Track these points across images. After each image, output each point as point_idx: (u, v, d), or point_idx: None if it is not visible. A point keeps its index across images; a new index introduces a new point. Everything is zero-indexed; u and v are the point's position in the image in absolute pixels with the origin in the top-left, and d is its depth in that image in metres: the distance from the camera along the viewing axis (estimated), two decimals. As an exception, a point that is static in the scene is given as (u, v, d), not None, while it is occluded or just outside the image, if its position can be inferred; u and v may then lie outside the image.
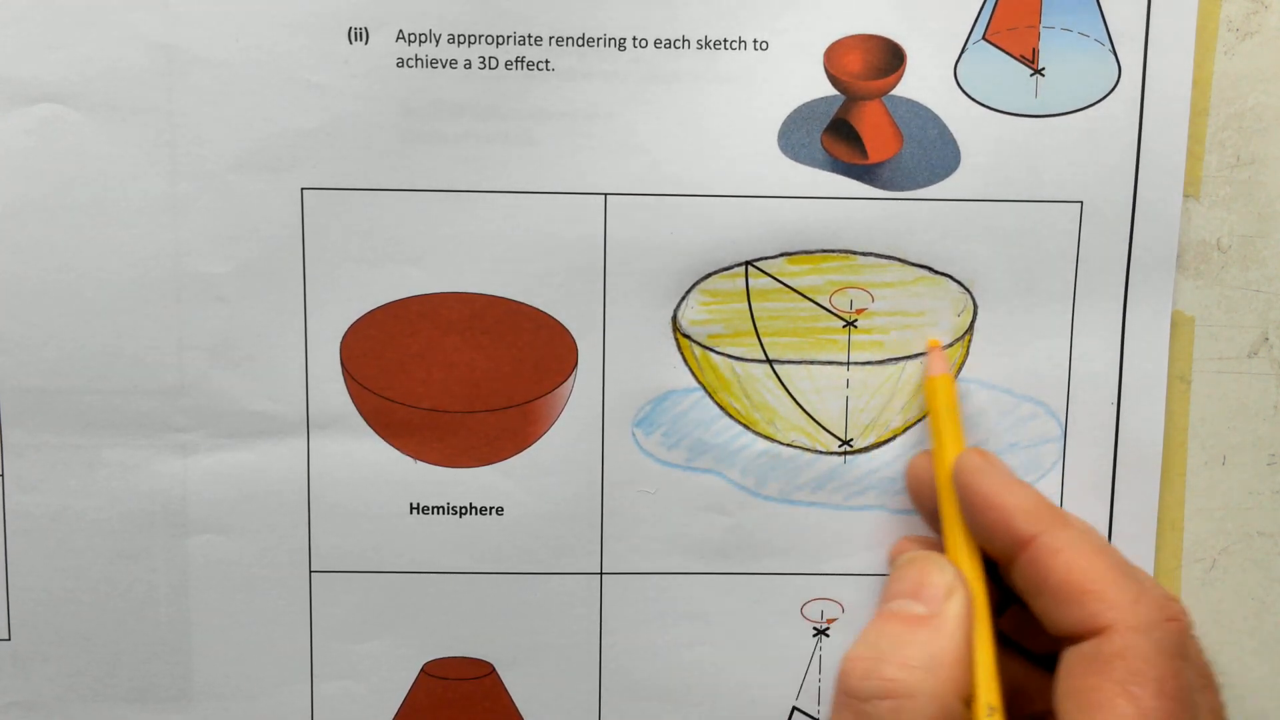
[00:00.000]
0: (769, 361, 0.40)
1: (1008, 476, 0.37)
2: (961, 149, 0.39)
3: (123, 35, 0.38)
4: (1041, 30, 0.39)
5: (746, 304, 0.40)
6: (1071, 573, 0.34)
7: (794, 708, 0.42)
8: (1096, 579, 0.34)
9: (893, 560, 0.40)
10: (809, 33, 0.39)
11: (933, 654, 0.34)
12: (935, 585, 0.35)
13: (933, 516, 0.39)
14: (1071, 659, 0.33)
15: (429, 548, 0.41)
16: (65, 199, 0.39)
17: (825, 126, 0.39)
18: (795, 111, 0.39)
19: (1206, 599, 0.42)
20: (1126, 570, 0.34)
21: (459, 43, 0.38)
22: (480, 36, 0.38)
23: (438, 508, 0.41)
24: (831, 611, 0.42)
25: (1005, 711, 0.35)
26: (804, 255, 0.40)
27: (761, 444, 0.41)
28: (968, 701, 0.34)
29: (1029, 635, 0.36)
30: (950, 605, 0.35)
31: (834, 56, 0.39)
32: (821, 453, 0.41)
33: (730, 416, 0.41)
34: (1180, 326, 0.41)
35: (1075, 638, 0.34)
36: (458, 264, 0.40)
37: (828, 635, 0.42)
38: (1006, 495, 0.36)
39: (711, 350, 0.40)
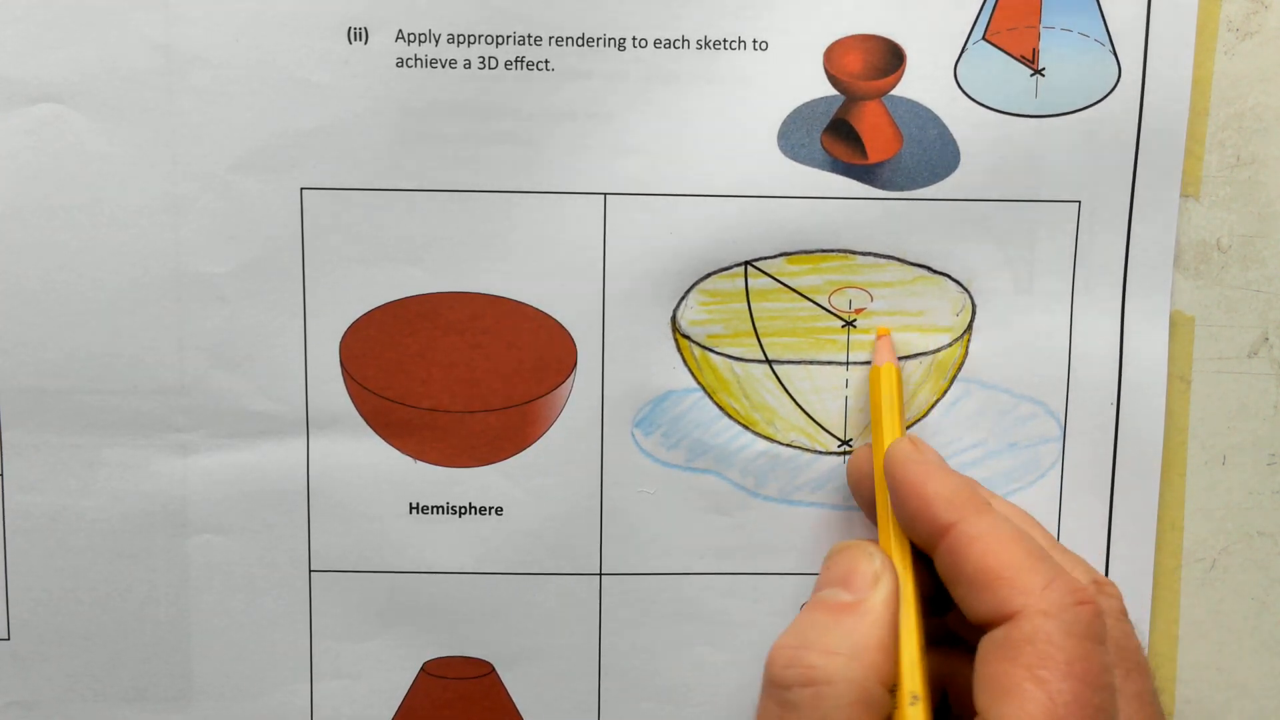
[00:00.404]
0: (768, 362, 0.40)
1: (935, 465, 0.37)
2: (961, 149, 0.39)
3: (123, 35, 0.38)
4: (1041, 30, 0.39)
5: (746, 304, 0.40)
6: (985, 559, 0.34)
7: (794, 708, 0.42)
8: (1008, 565, 0.34)
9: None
10: (809, 33, 0.39)
11: (856, 640, 0.34)
12: (863, 573, 0.36)
13: (872, 509, 0.39)
14: (985, 646, 0.33)
15: (429, 548, 0.41)
16: (65, 199, 0.39)
17: (825, 126, 0.39)
18: (795, 111, 0.39)
19: (1206, 599, 0.42)
20: (1041, 556, 0.34)
21: (459, 43, 0.38)
22: (480, 36, 0.38)
23: (438, 508, 0.41)
24: (831, 611, 0.42)
25: (931, 701, 0.34)
26: (803, 255, 0.40)
27: (761, 444, 0.41)
28: (893, 689, 0.34)
29: (971, 630, 0.36)
30: (876, 592, 0.35)
31: (834, 56, 0.39)
32: (821, 453, 0.41)
33: (730, 417, 0.41)
34: (1180, 326, 0.41)
35: (990, 624, 0.34)
36: (458, 264, 0.40)
37: (827, 635, 0.42)
38: (930, 483, 0.36)
39: (711, 350, 0.40)
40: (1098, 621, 0.33)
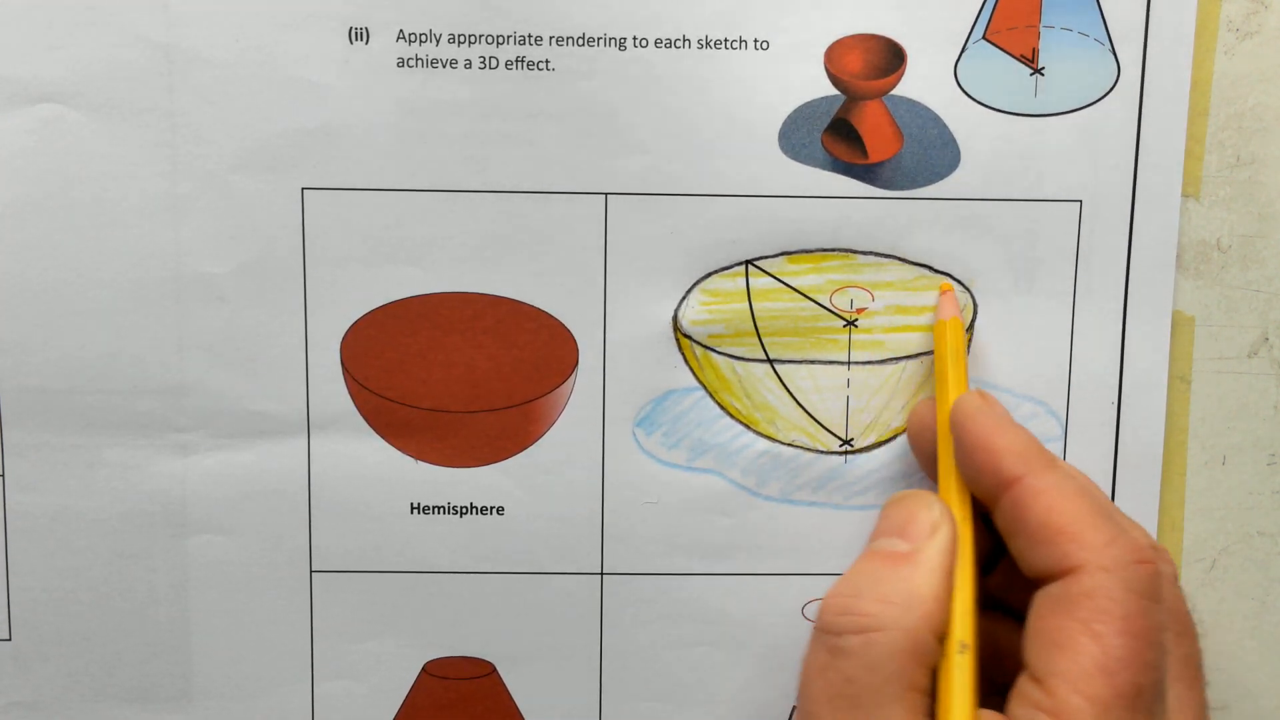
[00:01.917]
0: (769, 361, 0.40)
1: (1004, 419, 0.37)
2: (961, 149, 0.39)
3: (123, 35, 0.38)
4: (1041, 30, 0.39)
5: (747, 303, 0.40)
6: (1050, 514, 0.34)
7: (794, 708, 0.42)
8: (1072, 520, 0.34)
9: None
10: (809, 33, 0.39)
11: (910, 589, 0.34)
12: (921, 523, 0.36)
13: (931, 462, 0.39)
14: (1041, 600, 0.34)
15: (429, 548, 0.41)
16: (65, 199, 0.39)
17: (825, 126, 0.39)
18: (795, 111, 0.39)
19: (1206, 599, 0.42)
20: (1106, 514, 0.34)
21: (459, 43, 0.38)
22: (480, 36, 0.38)
23: (438, 508, 0.41)
24: (832, 611, 0.42)
25: (978, 650, 0.34)
26: (804, 254, 0.40)
27: (762, 444, 0.41)
28: (942, 638, 0.34)
29: (1016, 594, 0.36)
30: (933, 542, 0.35)
31: (834, 56, 0.39)
32: (822, 453, 0.41)
33: (731, 416, 0.41)
34: (1180, 326, 0.41)
35: (1048, 578, 0.34)
36: (458, 264, 0.40)
37: (828, 635, 0.42)
38: (998, 437, 0.36)
39: (712, 350, 0.40)
40: (1156, 581, 0.33)
